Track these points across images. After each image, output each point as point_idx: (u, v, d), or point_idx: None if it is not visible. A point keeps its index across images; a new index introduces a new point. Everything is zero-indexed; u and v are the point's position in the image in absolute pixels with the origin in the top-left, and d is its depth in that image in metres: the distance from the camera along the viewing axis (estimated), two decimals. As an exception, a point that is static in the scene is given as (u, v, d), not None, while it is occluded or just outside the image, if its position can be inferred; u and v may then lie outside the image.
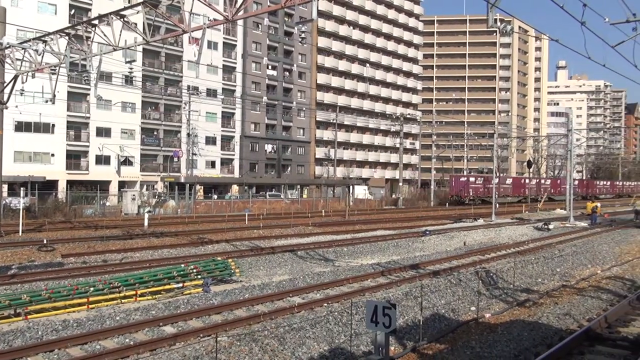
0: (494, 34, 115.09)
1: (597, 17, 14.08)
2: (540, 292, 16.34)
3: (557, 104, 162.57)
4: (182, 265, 16.58)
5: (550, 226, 34.99)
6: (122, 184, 59.13)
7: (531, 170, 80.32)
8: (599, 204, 42.71)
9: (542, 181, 79.74)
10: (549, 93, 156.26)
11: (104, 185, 56.67)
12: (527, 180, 75.52)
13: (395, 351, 10.55)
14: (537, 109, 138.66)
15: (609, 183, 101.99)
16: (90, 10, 57.48)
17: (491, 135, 70.36)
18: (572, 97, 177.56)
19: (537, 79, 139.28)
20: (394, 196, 75.25)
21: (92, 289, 13.74)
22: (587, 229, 34.95)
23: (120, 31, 19.24)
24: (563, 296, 15.69)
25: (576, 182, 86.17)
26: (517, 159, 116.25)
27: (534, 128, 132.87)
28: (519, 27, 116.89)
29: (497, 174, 56.40)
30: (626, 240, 29.44)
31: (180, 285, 15.43)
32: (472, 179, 67.43)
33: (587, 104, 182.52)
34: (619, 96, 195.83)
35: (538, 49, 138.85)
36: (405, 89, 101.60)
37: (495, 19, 12.16)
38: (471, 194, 64.43)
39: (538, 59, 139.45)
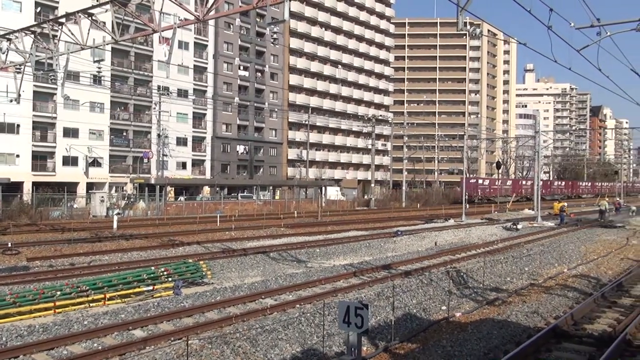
0: (464, 37, 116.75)
1: (563, 22, 14.40)
2: (509, 291, 16.62)
3: (525, 106, 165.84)
4: (152, 268, 16.35)
5: (519, 226, 35.64)
6: (90, 186, 58.00)
7: (500, 171, 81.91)
8: (565, 204, 43.72)
9: (569, 183, 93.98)
10: (517, 95, 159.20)
11: (71, 187, 55.48)
12: (523, 182, 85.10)
13: (367, 351, 10.59)
14: (505, 111, 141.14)
15: (590, 184, 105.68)
16: (57, 8, 56.26)
17: (461, 137, 71.34)
18: (539, 100, 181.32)
19: (506, 82, 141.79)
20: (366, 197, 75.61)
21: (59, 293, 13.44)
22: (554, 229, 35.72)
23: (89, 30, 18.88)
24: (531, 295, 15.99)
25: (563, 183, 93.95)
26: (486, 160, 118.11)
27: (503, 130, 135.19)
28: (488, 30, 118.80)
29: (467, 174, 57.45)
30: (591, 240, 30.18)
31: (151, 288, 15.21)
32: (480, 181, 74.71)
33: (554, 106, 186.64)
34: (584, 99, 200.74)
35: (507, 52, 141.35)
36: (377, 90, 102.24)
37: (465, 22, 12.32)
38: (479, 193, 71.04)
39: (507, 62, 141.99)
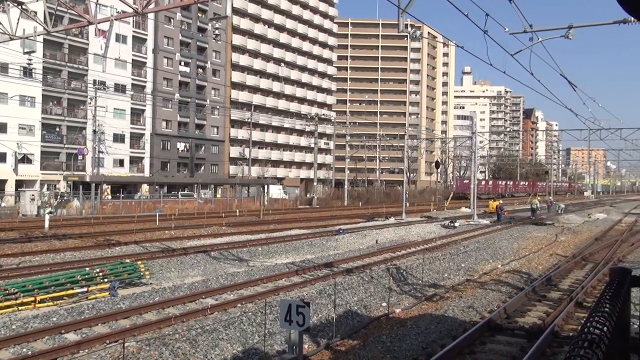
0: (405, 38, 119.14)
1: (499, 27, 14.95)
2: (447, 287, 17.11)
3: (463, 107, 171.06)
4: (87, 269, 15.77)
5: (456, 224, 36.74)
6: (20, 183, 55.26)
7: (439, 170, 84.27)
8: (501, 201, 45.43)
9: (508, 182, 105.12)
10: (456, 97, 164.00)
11: (-1, 185, 52.75)
12: (500, 182, 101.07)
13: (309, 349, 10.62)
14: (444, 112, 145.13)
15: (544, 183, 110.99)
16: (-17, -5, 53.27)
17: (402, 137, 72.83)
18: (476, 102, 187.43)
19: (445, 84, 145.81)
20: (308, 195, 75.86)
21: (-16, 296, 12.73)
22: (489, 226, 37.05)
23: (18, 19, 17.97)
24: (467, 290, 16.52)
25: (527, 183, 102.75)
26: (426, 160, 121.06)
27: (442, 130, 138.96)
28: (428, 33, 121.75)
29: (407, 174, 58.87)
30: (523, 237, 31.50)
31: (85, 289, 14.66)
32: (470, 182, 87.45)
33: (490, 108, 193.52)
34: (517, 101, 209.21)
35: (446, 54, 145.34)
36: (320, 89, 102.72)
37: (406, 24, 12.56)
38: (469, 191, 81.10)
39: (446, 64, 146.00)
